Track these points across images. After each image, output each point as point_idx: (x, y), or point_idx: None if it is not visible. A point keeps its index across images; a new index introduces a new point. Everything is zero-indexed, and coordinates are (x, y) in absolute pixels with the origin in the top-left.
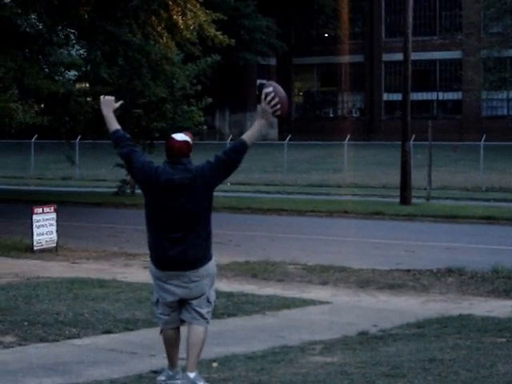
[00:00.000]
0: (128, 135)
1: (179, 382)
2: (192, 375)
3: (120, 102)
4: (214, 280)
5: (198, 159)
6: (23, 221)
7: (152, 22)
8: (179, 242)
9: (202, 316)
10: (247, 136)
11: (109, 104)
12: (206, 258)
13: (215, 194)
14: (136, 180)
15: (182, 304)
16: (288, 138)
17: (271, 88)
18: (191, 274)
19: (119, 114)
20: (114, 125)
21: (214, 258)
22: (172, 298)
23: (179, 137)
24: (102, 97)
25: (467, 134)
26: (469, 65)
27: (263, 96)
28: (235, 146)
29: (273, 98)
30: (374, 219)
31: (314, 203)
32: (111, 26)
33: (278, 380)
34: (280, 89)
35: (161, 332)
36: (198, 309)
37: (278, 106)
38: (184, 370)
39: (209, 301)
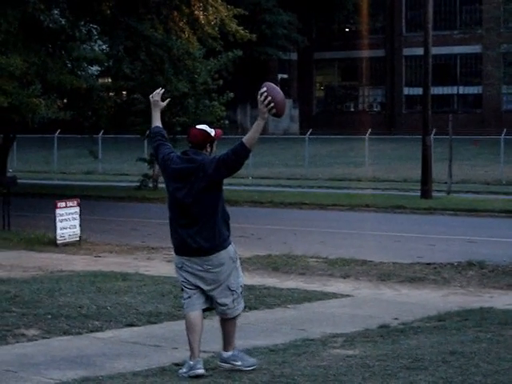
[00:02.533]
0: (163, 131)
1: (200, 371)
2: (225, 354)
3: (167, 101)
4: (235, 269)
5: (219, 153)
6: (47, 215)
7: (174, 17)
8: (187, 228)
9: (227, 307)
10: (246, 138)
11: (156, 104)
12: (215, 246)
13: (238, 187)
14: (160, 170)
15: (206, 294)
16: (309, 132)
17: (264, 88)
18: (203, 262)
19: (142, 109)
20: (155, 122)
21: (231, 248)
22: (188, 281)
23: (199, 126)
24: (150, 97)
25: (487, 128)
26: (489, 59)
27: (258, 96)
28: (235, 147)
29: (266, 97)
30: (394, 213)
31: (336, 197)
32: (133, 22)
33: (299, 373)
34: (275, 88)
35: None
36: (221, 301)
37: (272, 104)
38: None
39: (230, 289)
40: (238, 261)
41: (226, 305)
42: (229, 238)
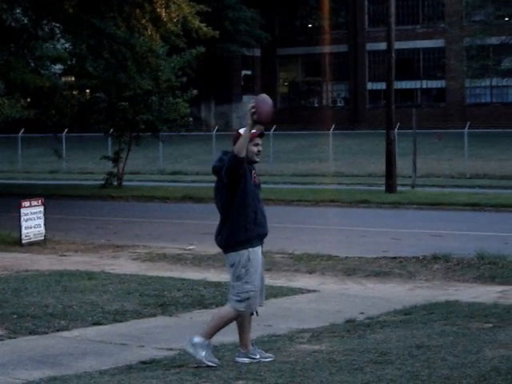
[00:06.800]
0: None
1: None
2: (195, 339)
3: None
4: (244, 275)
5: (183, 150)
6: (11, 214)
7: (136, 14)
8: (218, 223)
9: (228, 300)
10: (235, 145)
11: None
12: (229, 245)
13: (202, 184)
14: None
15: None
16: (273, 128)
17: (255, 97)
18: (225, 257)
19: (105, 107)
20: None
21: (244, 254)
22: None
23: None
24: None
25: (451, 122)
26: (452, 53)
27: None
28: (229, 154)
29: (252, 104)
30: (359, 208)
31: (300, 193)
32: (96, 20)
33: (266, 369)
34: (264, 99)
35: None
36: (231, 289)
37: (254, 110)
38: None
39: (235, 290)
40: (252, 269)
41: (231, 297)
42: (246, 244)
